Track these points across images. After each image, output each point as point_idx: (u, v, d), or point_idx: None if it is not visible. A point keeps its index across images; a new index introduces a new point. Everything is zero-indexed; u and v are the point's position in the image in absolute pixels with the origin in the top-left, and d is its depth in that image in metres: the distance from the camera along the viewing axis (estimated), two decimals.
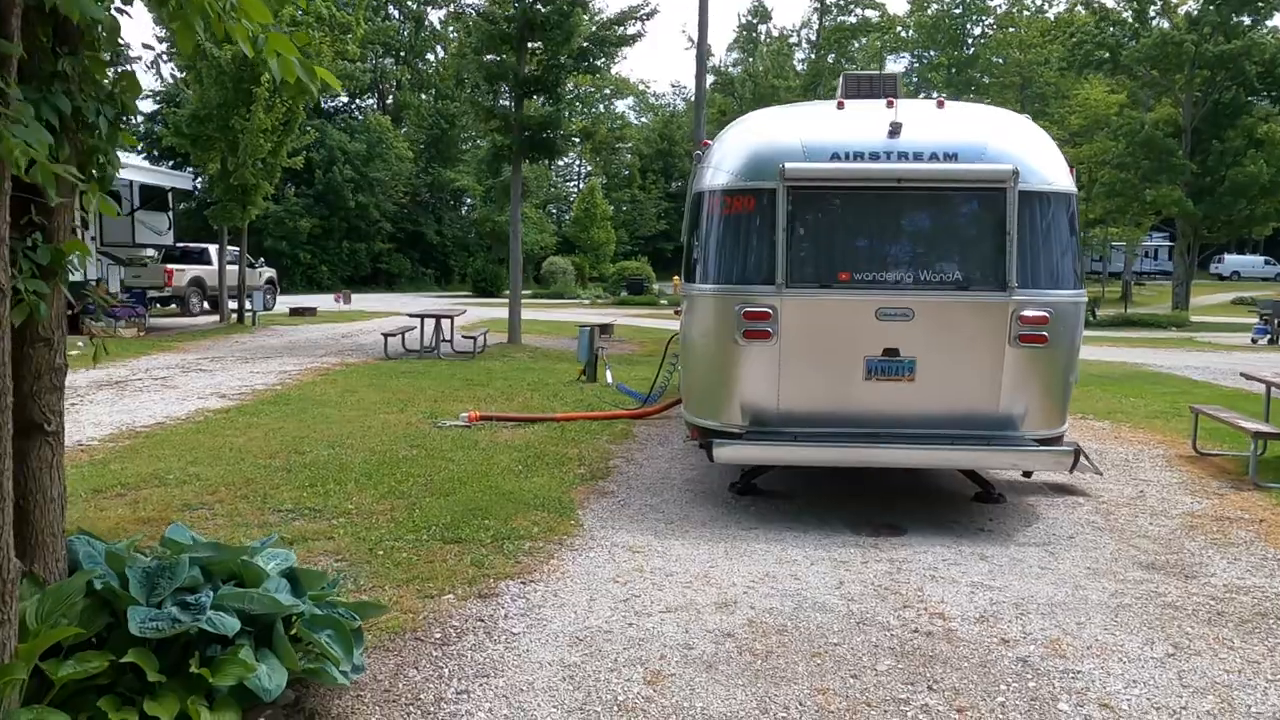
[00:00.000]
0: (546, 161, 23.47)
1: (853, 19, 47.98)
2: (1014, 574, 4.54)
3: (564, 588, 4.27)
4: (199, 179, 23.70)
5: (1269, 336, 20.92)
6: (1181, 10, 31.13)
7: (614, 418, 8.93)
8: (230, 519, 5.18)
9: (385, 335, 14.33)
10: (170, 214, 22.37)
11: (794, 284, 5.24)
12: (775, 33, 54.52)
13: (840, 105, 5.60)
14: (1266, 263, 50.59)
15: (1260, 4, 29.59)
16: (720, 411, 5.59)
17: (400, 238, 50.14)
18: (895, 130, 5.26)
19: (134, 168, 21.62)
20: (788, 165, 5.18)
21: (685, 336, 5.98)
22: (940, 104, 5.55)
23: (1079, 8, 40.17)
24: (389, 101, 56.61)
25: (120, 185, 20.17)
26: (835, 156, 5.25)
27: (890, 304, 5.16)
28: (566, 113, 16.27)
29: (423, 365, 13.02)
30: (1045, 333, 5.12)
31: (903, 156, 5.20)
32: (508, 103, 16.38)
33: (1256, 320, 22.27)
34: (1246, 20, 30.76)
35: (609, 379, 11.43)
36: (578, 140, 16.80)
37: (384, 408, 9.15)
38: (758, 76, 48.53)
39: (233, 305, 21.33)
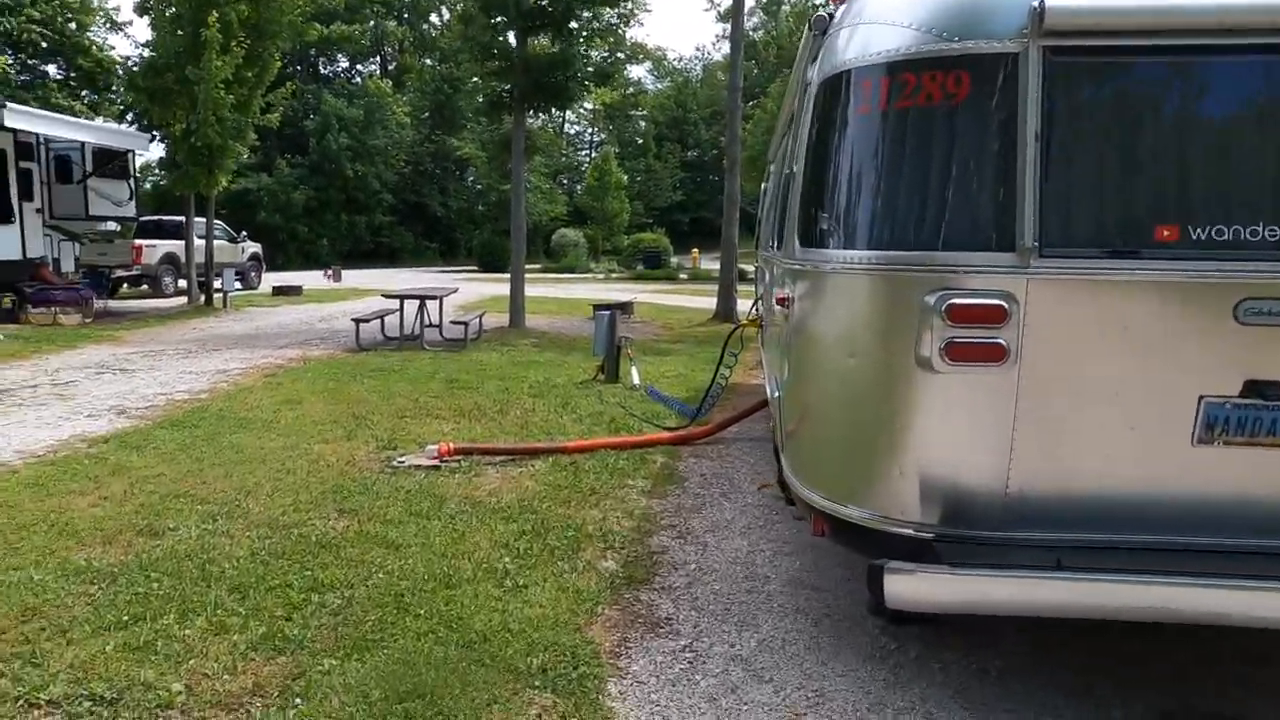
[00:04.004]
0: (554, 119, 20.71)
1: None
2: None
3: None
4: (164, 141, 21.04)
5: None
6: None
7: (648, 445, 6.29)
8: None
9: (357, 321, 11.69)
10: (132, 181, 19.65)
11: (1057, 248, 2.56)
12: None
13: None
14: None
15: None
16: (874, 490, 2.92)
17: (402, 210, 47.52)
18: None
19: (85, 126, 18.91)
20: (1050, 5, 2.48)
21: (798, 345, 3.31)
22: None
23: None
24: (391, 67, 53.64)
25: (71, 148, 17.50)
26: None
27: (1268, 291, 2.47)
28: (580, 48, 13.43)
29: (400, 359, 10.40)
30: None
31: None
32: (510, 39, 13.59)
33: None
34: None
35: (634, 380, 8.78)
36: (591, 84, 13.98)
37: (326, 431, 6.52)
38: (781, 39, 45.55)
39: (216, 284, 18.65)
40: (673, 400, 7.92)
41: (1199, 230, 2.50)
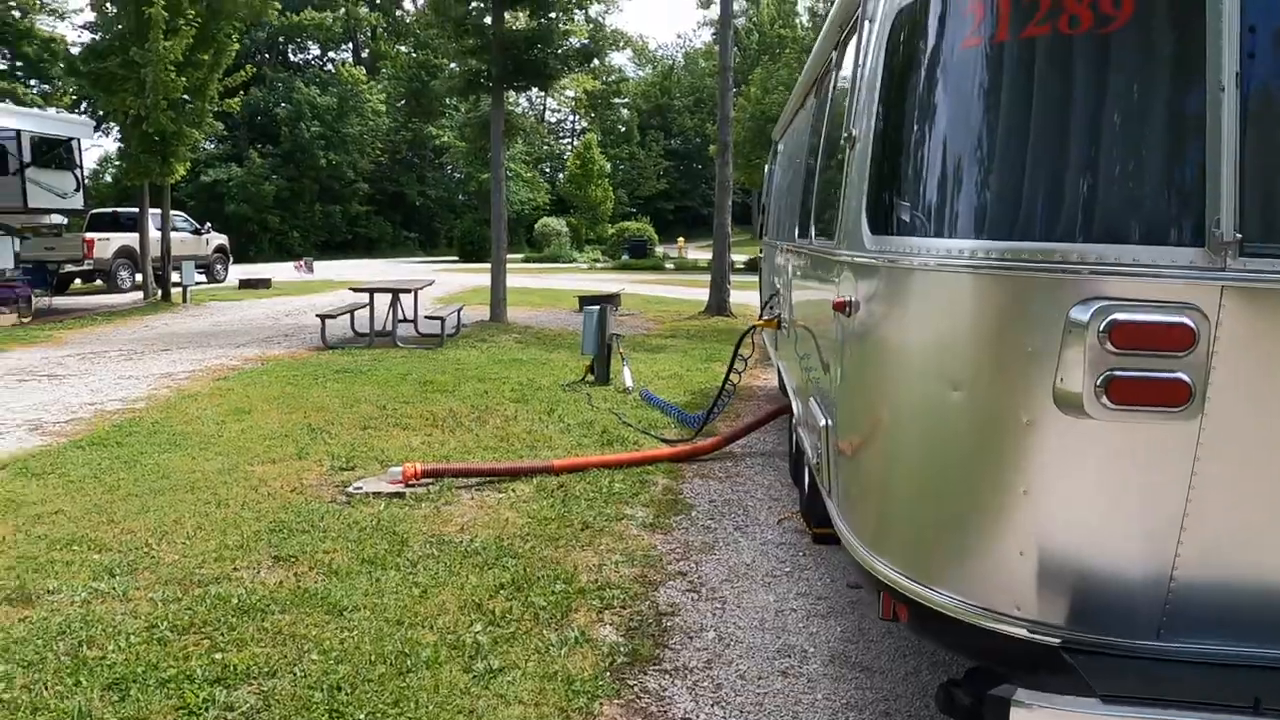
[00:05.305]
0: (534, 105, 19.88)
1: None
2: None
3: None
4: (114, 131, 19.81)
5: None
6: None
7: (646, 462, 5.47)
8: None
9: (322, 317, 10.78)
10: (79, 171, 18.45)
11: (1260, 243, 1.76)
12: None
13: None
14: None
15: None
16: (975, 571, 2.11)
17: (380, 199, 46.38)
18: None
19: (19, 113, 17.70)
20: None
21: (867, 367, 2.50)
22: None
23: None
24: (365, 54, 52.27)
25: (5, 136, 16.32)
26: None
27: None
28: (560, 24, 12.53)
29: (369, 358, 9.51)
30: None
31: None
32: (484, 13, 12.66)
33: None
34: None
35: (627, 382, 7.96)
36: (573, 63, 13.08)
37: (275, 448, 5.65)
38: (762, 26, 44.87)
39: (175, 278, 17.56)
40: (671, 406, 7.10)
41: None
